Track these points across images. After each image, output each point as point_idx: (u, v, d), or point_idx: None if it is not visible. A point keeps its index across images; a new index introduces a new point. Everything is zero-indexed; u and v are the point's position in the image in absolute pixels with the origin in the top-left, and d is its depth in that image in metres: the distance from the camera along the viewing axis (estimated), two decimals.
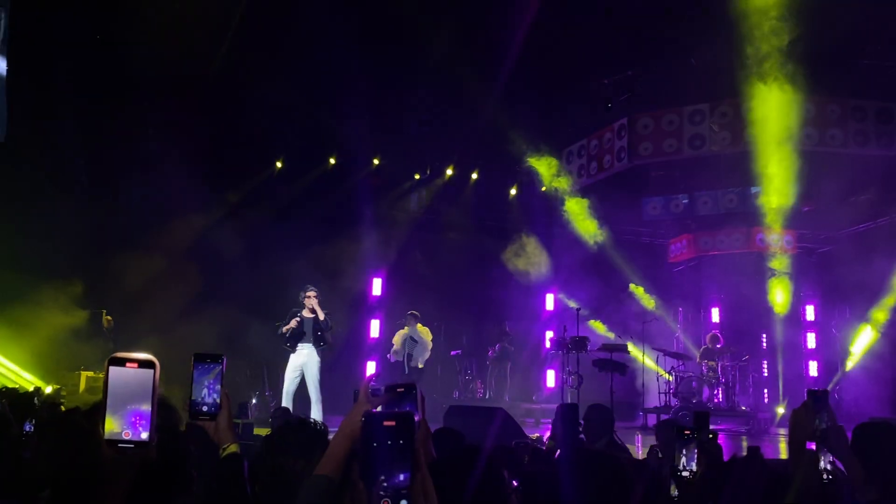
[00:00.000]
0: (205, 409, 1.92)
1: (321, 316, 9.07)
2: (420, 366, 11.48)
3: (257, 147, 13.25)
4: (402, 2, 9.82)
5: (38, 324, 11.46)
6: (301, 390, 9.57)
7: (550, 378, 12.78)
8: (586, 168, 12.39)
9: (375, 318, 12.83)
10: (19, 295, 11.57)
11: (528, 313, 13.53)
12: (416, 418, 1.81)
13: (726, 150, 11.19)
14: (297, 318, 9.09)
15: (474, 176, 14.17)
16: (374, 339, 12.78)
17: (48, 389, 10.69)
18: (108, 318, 12.05)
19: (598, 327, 13.05)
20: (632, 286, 13.64)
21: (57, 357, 11.49)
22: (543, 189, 13.39)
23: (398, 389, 1.76)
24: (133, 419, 1.37)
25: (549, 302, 13.08)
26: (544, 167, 12.99)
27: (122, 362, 1.38)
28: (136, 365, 1.39)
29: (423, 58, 10.93)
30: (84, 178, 11.83)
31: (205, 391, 1.93)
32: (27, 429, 5.24)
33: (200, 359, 1.93)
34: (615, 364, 8.87)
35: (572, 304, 11.87)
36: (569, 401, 9.07)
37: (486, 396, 12.47)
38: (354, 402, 2.08)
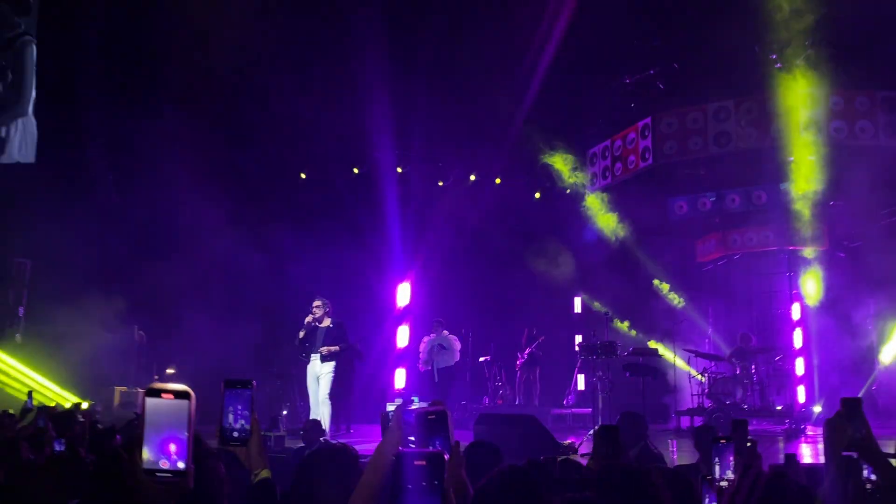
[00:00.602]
0: (235, 434, 1.93)
1: (327, 324, 9.19)
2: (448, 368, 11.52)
3: (281, 158, 13.37)
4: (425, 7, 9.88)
5: (72, 340, 11.66)
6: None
7: (580, 382, 12.69)
8: (611, 169, 12.30)
9: (403, 325, 12.82)
10: (53, 312, 11.79)
11: (555, 317, 13.46)
12: (450, 444, 1.79)
13: (753, 146, 11.04)
14: (303, 329, 9.26)
15: (497, 180, 14.12)
16: (402, 347, 12.77)
17: (83, 405, 10.86)
18: (140, 333, 12.20)
19: (625, 329, 12.94)
20: (656, 282, 13.50)
21: (90, 372, 11.67)
22: (567, 191, 13.33)
23: (429, 416, 1.75)
24: (170, 449, 1.39)
25: (577, 305, 13.00)
26: (564, 166, 12.95)
27: (157, 393, 1.40)
28: (171, 396, 1.40)
29: (445, 61, 10.96)
30: (112, 196, 12.00)
31: (236, 417, 1.93)
32: (58, 448, 5.32)
33: (231, 385, 1.93)
34: (646, 368, 8.78)
35: (599, 307, 11.80)
36: (600, 405, 9.00)
37: (516, 402, 12.42)
38: (382, 428, 2.07)
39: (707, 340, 13.36)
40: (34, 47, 12.27)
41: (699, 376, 11.80)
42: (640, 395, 9.34)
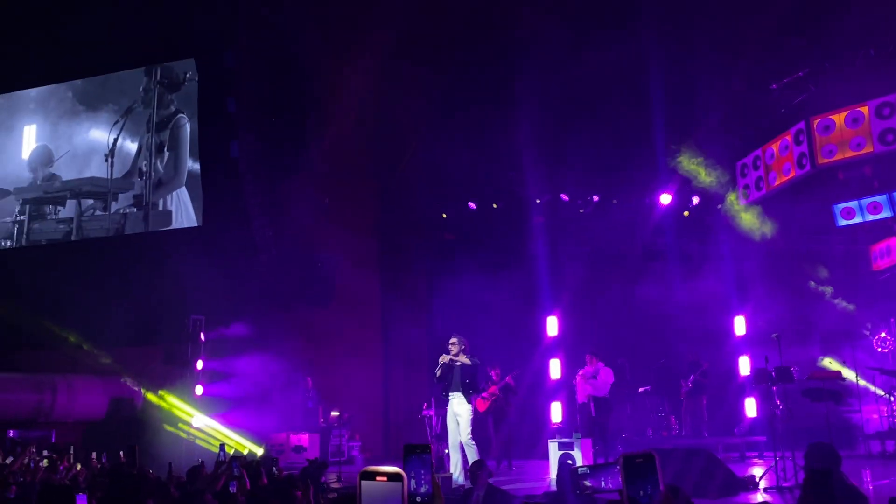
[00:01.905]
0: (419, 500, 1.97)
1: (463, 362, 9.04)
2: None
3: (425, 200, 13.75)
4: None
5: (245, 388, 12.44)
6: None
7: (750, 407, 11.89)
8: (764, 179, 11.63)
9: (554, 357, 12.66)
10: (227, 363, 12.65)
11: (715, 339, 12.76)
12: (659, 490, 1.69)
13: None
14: (439, 368, 9.17)
15: (643, 202, 13.71)
16: (555, 379, 12.60)
17: (259, 451, 11.53)
18: (308, 378, 12.81)
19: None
20: (826, 289, 12.48)
21: (263, 419, 12.38)
22: (719, 207, 12.74)
23: (637, 460, 1.67)
24: None
25: (739, 326, 12.25)
26: (713, 180, 12.40)
27: (372, 476, 1.51)
28: (385, 478, 1.50)
29: (585, 85, 10.98)
30: (273, 251, 12.77)
31: (419, 482, 1.98)
32: (232, 489, 5.66)
33: (411, 450, 1.99)
34: (830, 393, 8.09)
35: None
36: (778, 434, 8.37)
37: (681, 433, 11.83)
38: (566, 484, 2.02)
39: (892, 356, 12.16)
40: (188, 125, 13.49)
41: (888, 396, 10.78)
42: (821, 419, 8.60)
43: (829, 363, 11.38)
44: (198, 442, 11.87)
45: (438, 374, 9.20)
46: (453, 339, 9.22)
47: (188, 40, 13.44)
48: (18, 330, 12.96)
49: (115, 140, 14.36)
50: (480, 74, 11.75)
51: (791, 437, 8.42)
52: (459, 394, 9.09)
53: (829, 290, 12.58)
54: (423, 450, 1.97)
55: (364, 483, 1.51)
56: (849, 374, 11.07)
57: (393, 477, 1.51)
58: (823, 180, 11.53)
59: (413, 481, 1.96)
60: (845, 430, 11.53)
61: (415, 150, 12.67)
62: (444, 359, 9.15)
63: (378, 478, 1.52)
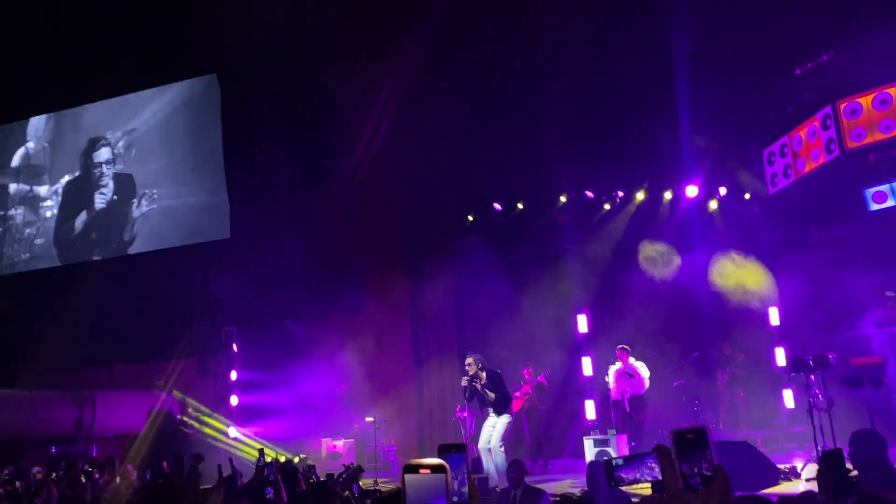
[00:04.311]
0: (455, 499, 1.93)
1: (483, 381, 9.09)
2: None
3: (450, 202, 13.78)
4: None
5: (279, 396, 12.55)
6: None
7: (788, 398, 11.69)
8: (793, 166, 11.46)
9: (586, 356, 12.58)
10: (260, 373, 12.77)
11: (750, 330, 12.57)
12: (713, 466, 1.64)
13: None
14: (466, 391, 9.25)
15: (667, 195, 13.58)
16: (587, 377, 12.52)
17: (295, 459, 11.60)
18: (342, 385, 12.89)
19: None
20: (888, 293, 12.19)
21: (297, 425, 12.48)
22: (746, 196, 12.58)
23: (688, 436, 1.63)
24: None
25: (774, 317, 12.05)
26: (740, 170, 12.25)
27: (415, 469, 1.51)
28: (428, 471, 1.50)
29: (606, 78, 10.94)
30: (300, 261, 12.89)
31: (455, 482, 1.94)
32: (269, 495, 5.72)
33: (446, 449, 1.95)
34: (870, 379, 7.93)
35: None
36: (820, 424, 8.22)
37: (718, 427, 11.68)
38: (597, 478, 1.99)
39: None
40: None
41: None
42: (864, 409, 8.43)
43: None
44: (235, 452, 12.00)
45: (467, 395, 9.31)
46: (469, 360, 9.28)
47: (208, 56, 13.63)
48: (57, 348, 13.21)
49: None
50: (500, 71, 11.71)
51: (831, 427, 8.27)
52: (491, 410, 9.20)
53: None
54: (458, 449, 1.94)
55: (408, 476, 1.52)
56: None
57: (436, 469, 1.52)
58: (852, 164, 11.34)
59: (456, 482, 1.94)
60: (888, 417, 11.28)
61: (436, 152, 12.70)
62: (464, 381, 9.23)
63: (421, 470, 1.52)
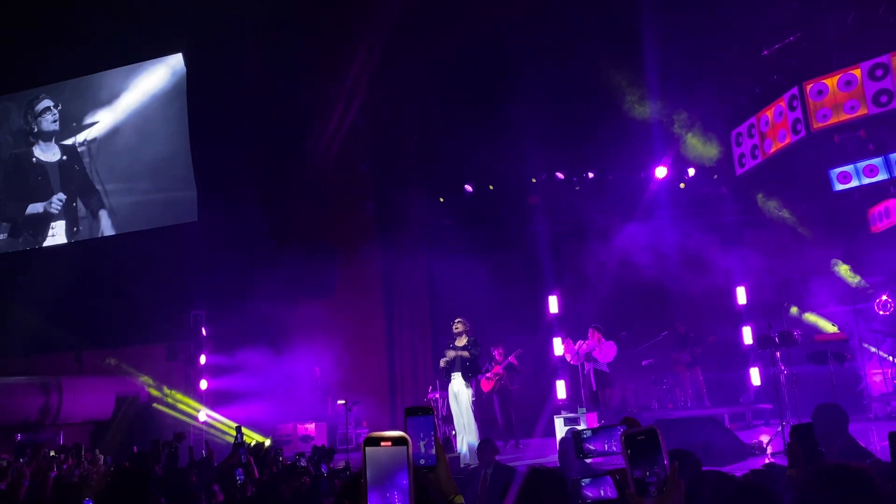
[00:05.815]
0: (423, 462, 1.90)
1: (462, 343, 9.48)
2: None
3: (421, 185, 13.73)
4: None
5: (248, 380, 12.46)
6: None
7: (755, 376, 11.89)
8: (760, 147, 11.58)
9: (557, 336, 12.64)
10: (229, 356, 12.65)
11: (717, 310, 12.74)
12: (665, 468, 1.62)
13: None
14: (446, 360, 9.61)
15: (638, 176, 13.63)
16: (558, 357, 12.59)
17: (267, 443, 11.55)
18: (316, 368, 12.84)
19: (809, 317, 11.98)
20: (836, 263, 12.43)
21: (269, 409, 12.40)
22: (714, 176, 12.69)
23: (638, 438, 1.60)
24: (392, 495, 1.41)
25: (741, 296, 12.22)
26: (708, 150, 12.35)
27: (376, 442, 1.44)
28: (389, 443, 1.43)
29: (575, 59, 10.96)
30: (270, 243, 12.75)
31: (421, 445, 1.91)
32: (240, 478, 5.66)
33: (412, 412, 1.91)
34: (834, 355, 8.08)
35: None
36: (786, 399, 8.38)
37: (687, 405, 11.86)
38: (566, 454, 1.98)
39: (893, 318, 12.14)
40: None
41: (890, 357, 10.78)
42: (827, 385, 8.61)
43: (830, 327, 11.34)
44: (209, 434, 11.91)
45: (444, 365, 9.59)
46: (458, 320, 9.69)
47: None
48: (22, 334, 12.94)
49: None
50: (470, 53, 11.65)
51: (797, 402, 8.43)
52: (459, 374, 9.45)
53: (844, 267, 12.53)
54: (425, 412, 1.89)
55: (368, 450, 1.44)
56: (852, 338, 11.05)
57: (397, 441, 1.45)
58: (817, 145, 11.49)
59: (421, 445, 1.89)
60: (851, 393, 11.54)
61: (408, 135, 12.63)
62: (450, 354, 9.56)
63: (383, 443, 1.45)
